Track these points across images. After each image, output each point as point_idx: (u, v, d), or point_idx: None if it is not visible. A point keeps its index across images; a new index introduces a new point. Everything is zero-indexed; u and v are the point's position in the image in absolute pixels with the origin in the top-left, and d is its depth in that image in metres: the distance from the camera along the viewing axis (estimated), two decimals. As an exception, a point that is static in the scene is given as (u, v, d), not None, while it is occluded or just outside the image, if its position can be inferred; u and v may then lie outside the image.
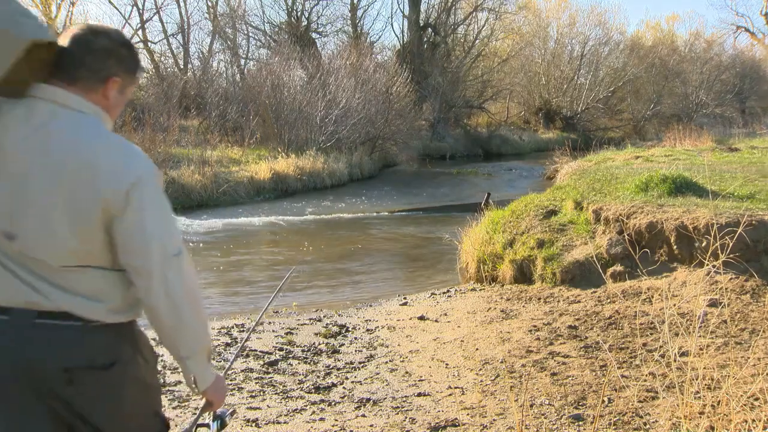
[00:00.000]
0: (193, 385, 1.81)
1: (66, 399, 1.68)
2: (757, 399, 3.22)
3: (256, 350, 5.14)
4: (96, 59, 1.71)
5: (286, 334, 5.62)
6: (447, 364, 4.68)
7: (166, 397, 4.19)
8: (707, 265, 3.23)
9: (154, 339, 1.91)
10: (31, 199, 1.64)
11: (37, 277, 1.67)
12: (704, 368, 3.46)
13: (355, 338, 5.55)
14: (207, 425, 1.93)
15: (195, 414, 2.19)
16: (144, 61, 30.12)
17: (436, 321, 5.98)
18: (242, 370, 4.62)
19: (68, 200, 1.63)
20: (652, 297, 5.56)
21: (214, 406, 1.90)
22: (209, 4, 31.95)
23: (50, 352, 1.65)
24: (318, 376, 4.58)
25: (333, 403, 4.04)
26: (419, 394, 4.12)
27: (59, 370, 1.65)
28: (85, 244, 1.66)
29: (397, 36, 50.94)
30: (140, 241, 1.66)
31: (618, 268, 6.29)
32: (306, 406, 4.01)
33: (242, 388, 4.30)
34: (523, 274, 7.00)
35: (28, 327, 1.66)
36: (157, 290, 1.68)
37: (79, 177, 1.63)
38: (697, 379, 3.11)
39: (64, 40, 1.71)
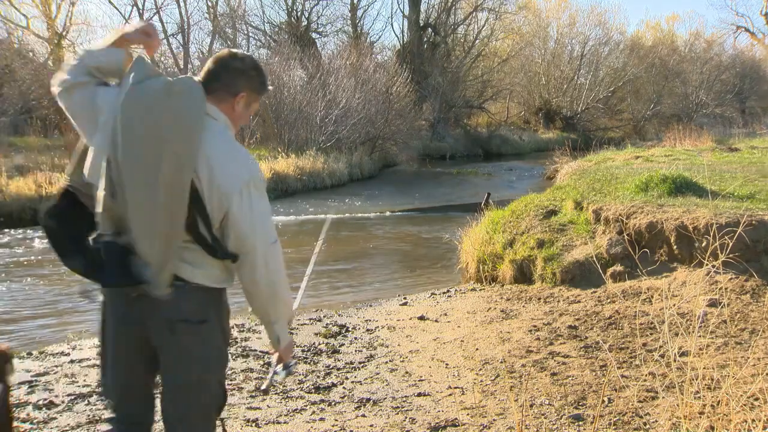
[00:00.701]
0: (276, 343, 2.29)
1: (170, 346, 2.13)
2: (757, 399, 3.22)
3: (255, 350, 5.14)
4: (229, 76, 2.15)
5: (286, 334, 5.62)
6: (447, 364, 4.68)
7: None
8: (707, 265, 3.22)
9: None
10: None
11: None
12: (704, 368, 3.46)
13: (355, 338, 5.55)
14: (277, 372, 2.42)
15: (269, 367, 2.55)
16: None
17: (436, 321, 5.98)
18: (242, 370, 4.62)
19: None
20: (652, 297, 5.56)
21: (284, 359, 2.38)
22: (209, 4, 31.96)
23: (160, 305, 2.07)
24: (318, 376, 4.57)
25: (333, 403, 4.04)
26: (419, 394, 4.12)
27: (165, 320, 2.10)
28: None
29: (397, 36, 51.02)
30: (249, 230, 2.08)
31: (618, 268, 6.28)
32: (306, 406, 4.01)
33: (242, 388, 4.29)
34: (523, 274, 7.00)
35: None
36: (261, 268, 2.11)
37: (209, 175, 2.03)
38: (697, 379, 3.11)
39: (209, 62, 2.19)
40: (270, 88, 2.33)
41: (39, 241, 11.12)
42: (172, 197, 1.98)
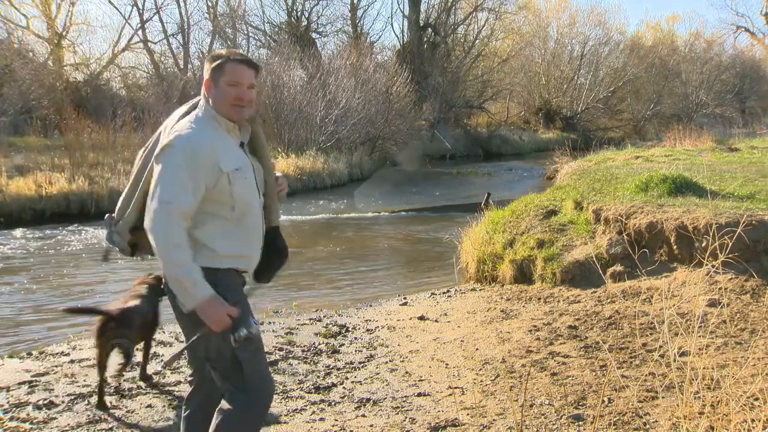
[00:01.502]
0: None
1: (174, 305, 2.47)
2: (756, 399, 3.22)
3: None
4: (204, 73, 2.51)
5: (286, 334, 5.62)
6: (447, 364, 4.68)
7: (166, 397, 4.20)
8: (707, 265, 3.22)
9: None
10: None
11: None
12: (704, 368, 3.46)
13: (355, 338, 5.55)
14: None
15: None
16: (143, 61, 30.06)
17: (436, 321, 5.98)
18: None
19: None
20: (652, 297, 5.56)
21: (212, 325, 2.32)
22: (209, 4, 31.96)
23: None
24: (318, 376, 4.58)
25: (333, 403, 4.04)
26: (419, 394, 4.12)
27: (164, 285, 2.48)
28: None
29: (397, 36, 51.01)
30: (153, 187, 2.33)
31: (618, 268, 6.28)
32: (306, 406, 4.01)
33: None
34: (523, 274, 7.00)
35: None
36: (148, 222, 2.31)
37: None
38: (696, 379, 3.10)
39: None
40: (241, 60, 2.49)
41: (39, 241, 11.13)
42: (140, 166, 2.58)
